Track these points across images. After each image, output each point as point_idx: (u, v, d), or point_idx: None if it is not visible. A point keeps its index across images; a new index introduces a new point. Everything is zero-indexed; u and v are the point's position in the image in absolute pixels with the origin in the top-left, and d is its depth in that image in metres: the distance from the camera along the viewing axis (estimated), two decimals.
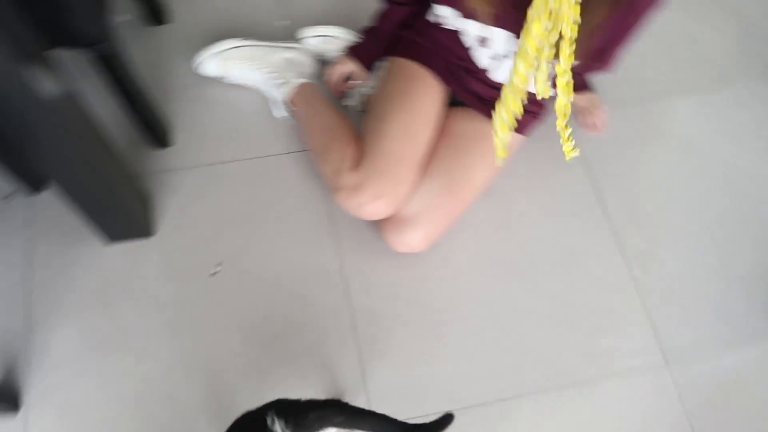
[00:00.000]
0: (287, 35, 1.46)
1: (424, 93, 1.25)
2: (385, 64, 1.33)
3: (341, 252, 1.29)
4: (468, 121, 1.28)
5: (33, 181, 1.29)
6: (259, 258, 1.28)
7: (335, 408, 0.91)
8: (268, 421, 0.84)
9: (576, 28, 0.91)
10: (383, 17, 1.33)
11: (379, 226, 1.26)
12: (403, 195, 1.20)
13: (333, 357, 1.20)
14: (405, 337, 1.23)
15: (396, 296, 1.26)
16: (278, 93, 1.37)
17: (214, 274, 1.25)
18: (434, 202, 1.22)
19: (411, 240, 1.23)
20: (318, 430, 0.88)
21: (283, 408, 0.87)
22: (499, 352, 1.23)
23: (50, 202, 1.27)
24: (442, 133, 1.27)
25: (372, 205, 1.19)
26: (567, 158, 1.03)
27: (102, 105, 1.20)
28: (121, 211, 1.22)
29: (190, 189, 1.34)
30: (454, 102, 1.30)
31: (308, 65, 1.43)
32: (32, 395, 1.13)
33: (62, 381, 1.15)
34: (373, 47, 1.35)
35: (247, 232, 1.30)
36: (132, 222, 1.25)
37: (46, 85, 0.88)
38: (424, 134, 1.24)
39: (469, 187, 1.26)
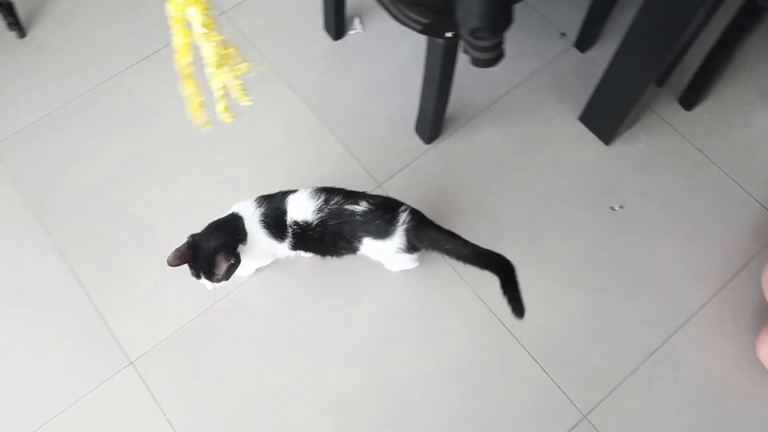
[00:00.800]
0: None
1: None
2: None
3: (708, 302, 1.24)
4: None
5: (585, 43, 1.49)
6: (655, 230, 1.31)
7: (454, 242, 1.02)
8: (401, 208, 1.04)
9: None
10: None
11: (766, 327, 1.15)
12: None
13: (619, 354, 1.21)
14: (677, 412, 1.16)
15: (705, 384, 1.18)
16: None
17: (613, 208, 1.33)
18: None
19: None
20: (427, 246, 1.05)
21: (419, 217, 1.04)
22: None
23: (575, 62, 1.49)
24: None
25: None
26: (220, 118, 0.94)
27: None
28: (614, 114, 1.34)
29: (670, 146, 1.39)
30: None
31: None
32: (438, 145, 1.40)
33: (459, 145, 1.39)
34: None
35: (669, 218, 1.32)
36: (610, 122, 1.37)
37: None
38: None
39: None
